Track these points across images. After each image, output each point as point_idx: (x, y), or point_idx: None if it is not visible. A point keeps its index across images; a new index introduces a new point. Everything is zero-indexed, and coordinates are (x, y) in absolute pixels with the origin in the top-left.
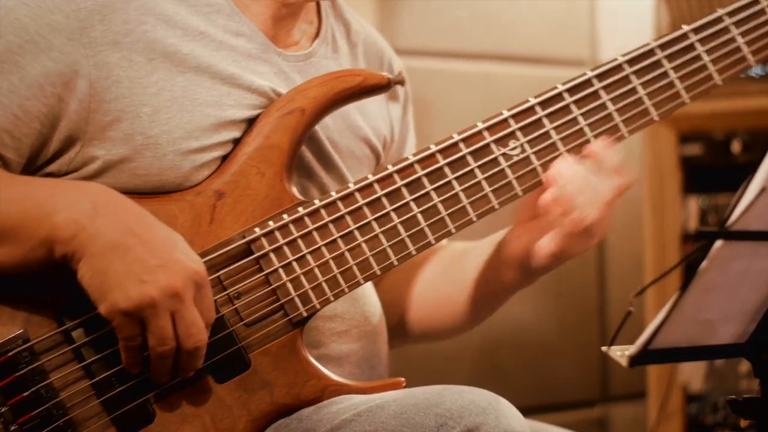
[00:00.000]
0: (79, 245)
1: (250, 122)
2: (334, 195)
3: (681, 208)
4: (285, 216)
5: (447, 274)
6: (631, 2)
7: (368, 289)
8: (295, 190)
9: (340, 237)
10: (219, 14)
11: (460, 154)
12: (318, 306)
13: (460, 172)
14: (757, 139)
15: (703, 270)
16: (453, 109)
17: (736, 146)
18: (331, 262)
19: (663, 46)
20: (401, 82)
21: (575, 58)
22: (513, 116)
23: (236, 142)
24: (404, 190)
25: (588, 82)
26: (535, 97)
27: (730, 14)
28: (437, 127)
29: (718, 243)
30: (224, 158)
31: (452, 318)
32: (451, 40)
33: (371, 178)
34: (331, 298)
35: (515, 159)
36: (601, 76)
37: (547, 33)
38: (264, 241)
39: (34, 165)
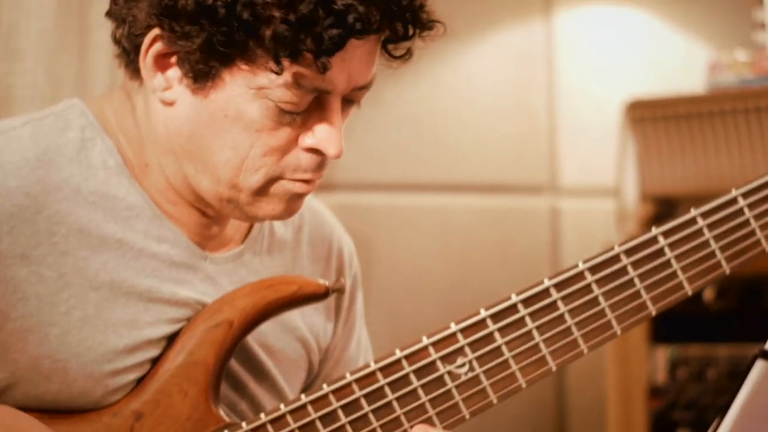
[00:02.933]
0: None
1: (171, 338)
2: (263, 417)
3: (647, 358)
4: None
5: None
6: (595, 120)
7: None
8: (221, 411)
9: None
10: (139, 218)
11: (402, 372)
12: None
13: (402, 392)
14: (731, 286)
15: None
16: (399, 249)
17: (708, 294)
18: None
19: (629, 252)
20: (341, 291)
21: (533, 185)
22: (462, 330)
23: (154, 361)
24: (340, 412)
25: (545, 292)
26: (486, 309)
27: (704, 216)
28: (382, 270)
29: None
30: (142, 377)
31: None
32: (396, 170)
33: (304, 399)
34: None
35: (463, 378)
36: (559, 285)
37: (502, 158)
38: None
39: None
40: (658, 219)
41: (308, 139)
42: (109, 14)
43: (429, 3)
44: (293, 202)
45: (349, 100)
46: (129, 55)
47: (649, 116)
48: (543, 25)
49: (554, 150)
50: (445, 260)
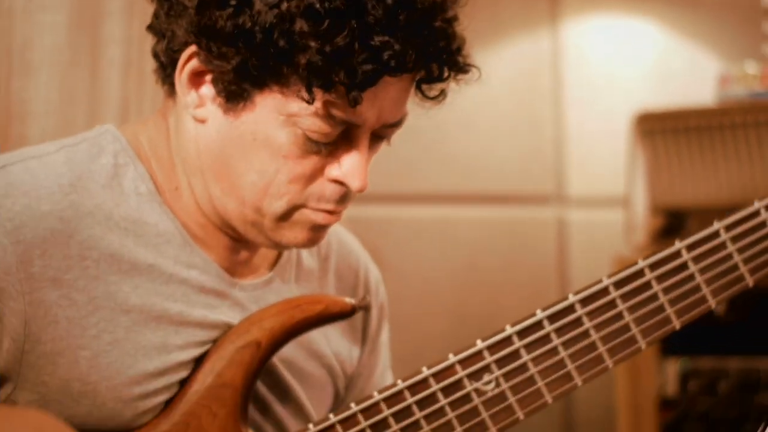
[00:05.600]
0: None
1: (199, 359)
2: None
3: (658, 371)
4: None
5: None
6: (602, 131)
7: None
8: (250, 431)
9: None
10: (169, 245)
11: (429, 390)
12: None
13: (429, 410)
14: (741, 298)
15: None
16: (407, 260)
17: (719, 306)
18: None
19: (653, 266)
20: (367, 308)
21: (540, 195)
22: (488, 347)
23: (182, 382)
24: None
25: (570, 308)
26: (512, 326)
27: (727, 228)
28: (389, 281)
29: None
30: (171, 398)
31: None
32: (403, 182)
33: (333, 418)
34: None
35: (489, 395)
36: (584, 301)
37: (509, 168)
38: None
39: None
40: (667, 231)
41: (334, 170)
42: (149, 28)
43: (466, 47)
44: (316, 231)
45: (378, 136)
46: (166, 69)
47: (658, 128)
48: (550, 36)
49: (561, 161)
50: (452, 271)
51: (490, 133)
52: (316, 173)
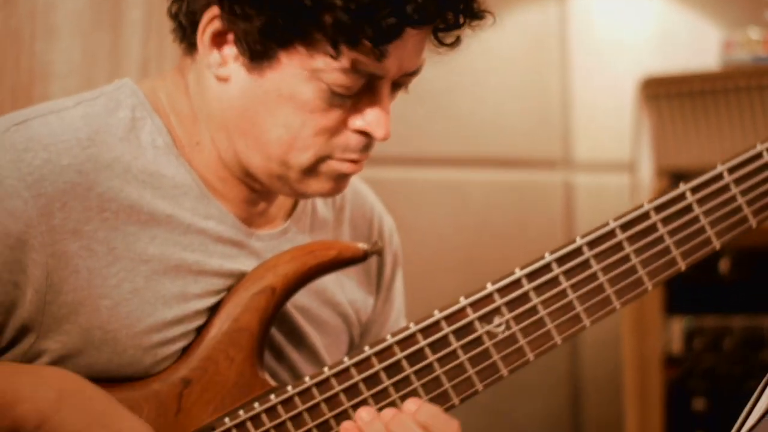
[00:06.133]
0: None
1: (216, 307)
2: (308, 381)
3: (663, 329)
4: (256, 405)
5: None
6: (608, 97)
7: None
8: (267, 376)
9: (316, 426)
10: (186, 196)
11: (441, 333)
12: None
13: (442, 353)
14: (746, 257)
15: None
16: (417, 222)
17: (724, 265)
18: None
19: (658, 209)
20: (379, 253)
21: (548, 160)
22: (498, 290)
23: (199, 329)
24: (383, 374)
25: (578, 251)
26: (521, 269)
27: (730, 171)
28: (404, 241)
29: None
30: (189, 345)
31: None
32: (415, 145)
33: (347, 362)
34: None
35: (500, 337)
36: (592, 244)
37: (517, 133)
38: None
39: None
40: None
41: (358, 121)
42: None
43: None
44: (341, 180)
45: (397, 84)
46: (185, 31)
47: (663, 93)
48: (557, 4)
49: (568, 126)
50: (463, 231)
51: (499, 99)
52: (340, 125)
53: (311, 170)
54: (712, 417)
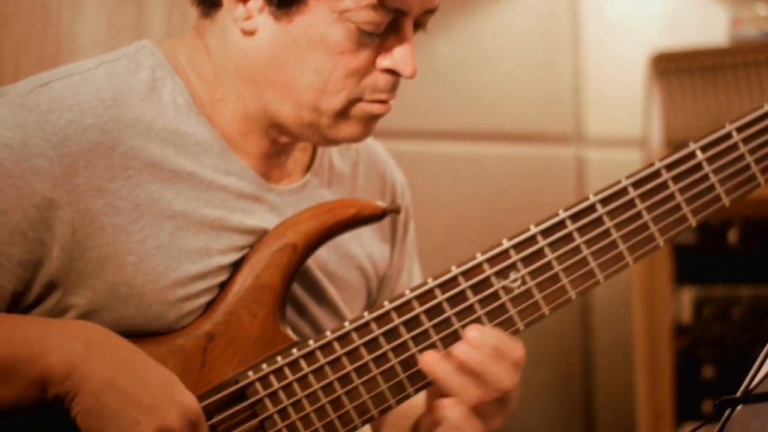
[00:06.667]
0: (73, 385)
1: (238, 263)
2: (329, 335)
3: (673, 298)
4: (279, 359)
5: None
6: (619, 74)
7: None
8: (289, 330)
9: (337, 379)
10: (208, 153)
11: (459, 288)
12: None
13: (460, 308)
14: (754, 228)
15: None
16: (433, 194)
17: (732, 235)
18: (328, 406)
19: (669, 167)
20: (397, 211)
21: (559, 134)
22: (514, 246)
23: (223, 285)
24: (402, 329)
25: (591, 208)
26: (536, 225)
27: (739, 129)
28: (419, 213)
29: (740, 407)
30: (212, 300)
31: None
32: (432, 120)
33: (367, 316)
34: None
35: (516, 292)
36: (604, 201)
37: (530, 109)
38: (258, 385)
39: (16, 311)
40: None
41: (386, 61)
42: None
43: None
44: (370, 123)
45: (417, 24)
46: None
47: (673, 68)
48: None
49: (580, 102)
50: (476, 204)
51: (513, 75)
52: (369, 66)
53: (342, 114)
54: (720, 384)
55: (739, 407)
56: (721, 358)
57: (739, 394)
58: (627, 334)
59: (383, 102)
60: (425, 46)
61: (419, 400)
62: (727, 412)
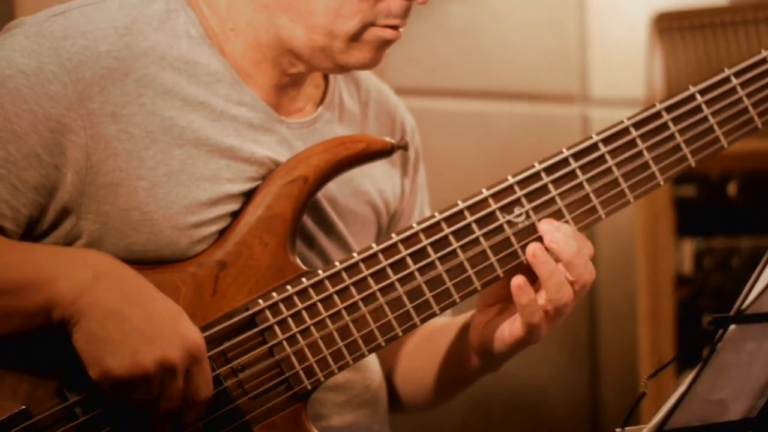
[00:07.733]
0: (78, 310)
1: (249, 194)
2: (338, 265)
3: (675, 250)
4: (289, 287)
5: (420, 351)
6: (623, 36)
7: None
8: (298, 261)
9: (345, 308)
10: (220, 83)
11: (464, 222)
12: (322, 379)
13: (465, 241)
14: (753, 181)
15: (717, 353)
16: (441, 150)
17: (732, 188)
18: (336, 334)
19: (669, 108)
20: (405, 147)
21: (565, 94)
22: (518, 182)
23: (234, 215)
24: (409, 260)
25: (594, 147)
26: (540, 162)
27: (737, 74)
28: (427, 168)
29: (733, 327)
30: (224, 230)
31: (416, 394)
32: (441, 78)
33: (375, 248)
34: (336, 371)
35: (520, 226)
36: (606, 140)
37: (537, 69)
38: (268, 313)
39: (31, 237)
40: None
41: None
42: None
43: None
44: (381, 49)
45: None
46: None
47: (675, 27)
48: None
49: (585, 62)
50: (483, 161)
51: (520, 36)
52: None
53: (355, 38)
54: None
55: (732, 327)
56: (722, 307)
57: (732, 313)
58: (631, 289)
59: (395, 27)
60: (437, 5)
61: (437, 323)
62: (720, 332)
